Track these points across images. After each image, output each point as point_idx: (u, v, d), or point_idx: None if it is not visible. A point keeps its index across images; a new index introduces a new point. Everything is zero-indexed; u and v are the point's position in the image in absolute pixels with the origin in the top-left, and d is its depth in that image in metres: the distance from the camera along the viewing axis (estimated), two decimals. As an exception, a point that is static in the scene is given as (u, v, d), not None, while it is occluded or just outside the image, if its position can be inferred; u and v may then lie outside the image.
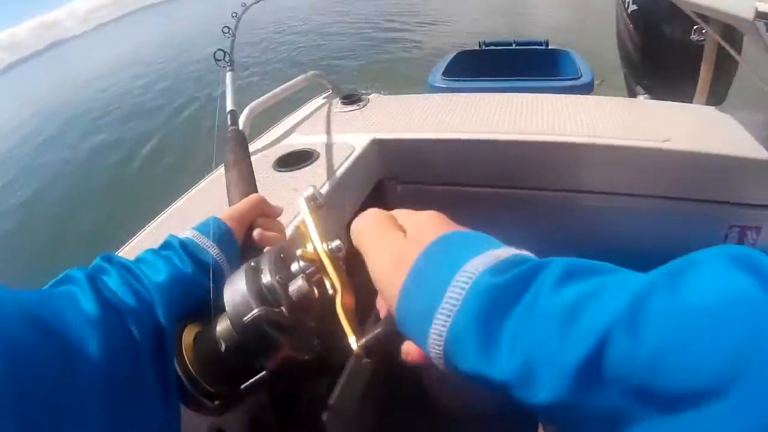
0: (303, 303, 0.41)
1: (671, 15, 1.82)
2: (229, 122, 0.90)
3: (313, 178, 1.09)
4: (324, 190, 1.05)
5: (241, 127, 1.27)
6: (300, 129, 1.41)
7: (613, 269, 0.28)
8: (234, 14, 1.30)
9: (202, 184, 1.13)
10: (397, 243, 0.35)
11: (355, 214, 1.08)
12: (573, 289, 0.27)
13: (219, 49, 1.09)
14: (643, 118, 1.18)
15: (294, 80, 1.52)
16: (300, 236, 0.42)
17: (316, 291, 0.41)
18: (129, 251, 0.89)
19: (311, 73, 1.60)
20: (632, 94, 2.07)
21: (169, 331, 0.42)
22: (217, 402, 0.43)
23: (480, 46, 3.48)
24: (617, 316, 0.25)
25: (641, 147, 1.07)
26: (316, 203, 0.43)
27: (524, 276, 0.28)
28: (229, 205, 0.68)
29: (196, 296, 0.47)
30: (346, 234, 1.16)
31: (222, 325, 0.43)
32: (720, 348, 0.22)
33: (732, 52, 1.11)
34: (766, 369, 0.20)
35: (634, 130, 1.11)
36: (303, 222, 0.41)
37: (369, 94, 1.56)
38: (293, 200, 1.01)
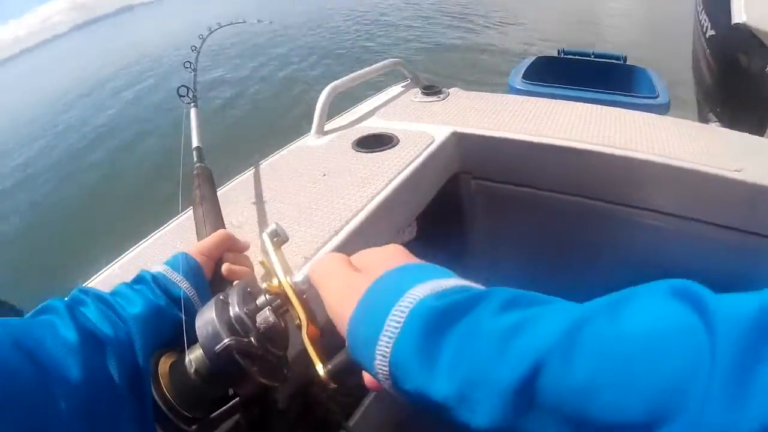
0: (270, 333, 0.43)
1: (749, 44, 1.74)
2: (195, 159, 0.90)
3: (392, 162, 1.09)
4: (402, 176, 1.05)
5: (318, 110, 1.31)
6: (379, 113, 1.42)
7: (558, 301, 0.28)
8: (193, 47, 1.22)
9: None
10: (348, 277, 0.36)
11: (428, 205, 1.07)
12: (514, 315, 0.27)
13: (182, 86, 1.06)
14: (717, 145, 1.13)
15: (376, 65, 1.52)
16: (266, 271, 0.44)
17: (282, 322, 0.43)
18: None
19: (393, 60, 1.60)
20: (703, 119, 2.00)
21: (146, 359, 0.43)
22: (194, 427, 0.45)
23: (559, 54, 3.49)
24: (553, 340, 0.25)
25: (711, 174, 1.03)
26: (279, 239, 0.45)
27: (466, 301, 0.29)
28: (198, 240, 0.69)
29: (169, 327, 0.49)
30: (417, 224, 1.16)
31: (195, 354, 0.45)
32: (655, 380, 0.21)
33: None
34: (700, 407, 0.20)
35: (707, 156, 1.07)
36: (267, 257, 0.43)
37: (450, 89, 1.55)
38: (357, 188, 1.03)
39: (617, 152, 1.12)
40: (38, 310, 0.42)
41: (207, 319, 0.43)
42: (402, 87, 1.62)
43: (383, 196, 0.99)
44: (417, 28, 10.26)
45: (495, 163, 1.27)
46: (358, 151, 1.18)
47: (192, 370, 0.44)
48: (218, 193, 0.85)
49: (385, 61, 1.57)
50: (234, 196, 1.07)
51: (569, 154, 1.16)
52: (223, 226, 0.72)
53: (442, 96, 1.48)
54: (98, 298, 0.46)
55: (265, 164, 1.20)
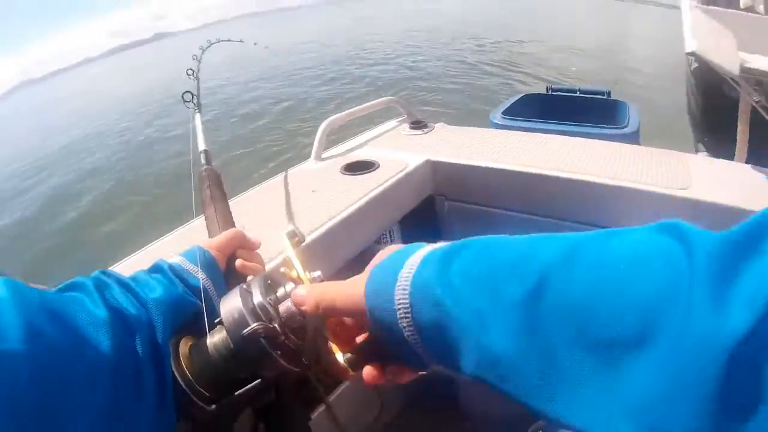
0: (290, 322, 0.45)
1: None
2: (203, 161, 0.93)
3: (370, 183, 1.32)
4: (377, 192, 1.29)
5: (317, 140, 1.55)
6: (371, 143, 1.67)
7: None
8: (194, 57, 1.27)
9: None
10: (347, 281, 0.40)
11: (405, 217, 1.28)
12: (520, 237, 0.32)
13: (187, 91, 1.08)
14: (667, 168, 1.28)
15: (372, 102, 1.77)
16: (286, 266, 0.48)
17: (300, 313, 0.44)
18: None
19: (389, 98, 1.86)
20: (694, 150, 2.11)
21: (166, 341, 0.45)
22: (213, 407, 0.46)
23: (547, 91, 3.77)
24: (554, 260, 0.28)
25: (656, 192, 1.17)
26: (297, 239, 0.51)
27: (468, 242, 0.35)
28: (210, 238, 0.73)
29: (186, 314, 0.50)
30: (398, 229, 1.37)
31: (217, 338, 0.46)
32: (641, 296, 0.24)
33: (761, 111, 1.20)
34: (685, 318, 0.22)
35: (655, 177, 1.22)
36: (287, 256, 0.48)
37: (436, 123, 1.79)
38: (336, 201, 1.25)
39: (564, 175, 1.29)
40: (66, 286, 0.43)
41: (233, 305, 0.45)
42: (397, 121, 1.87)
43: (355, 208, 1.22)
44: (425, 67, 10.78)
45: (464, 187, 1.48)
46: (344, 173, 1.42)
47: (215, 352, 0.46)
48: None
49: (381, 99, 1.82)
50: (240, 206, 1.32)
51: (528, 178, 1.35)
52: (233, 225, 0.75)
53: (427, 130, 1.72)
54: (119, 281, 0.47)
55: (268, 183, 1.45)
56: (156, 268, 0.54)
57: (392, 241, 1.50)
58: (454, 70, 9.94)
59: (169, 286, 0.50)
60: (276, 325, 0.43)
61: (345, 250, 1.23)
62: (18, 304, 0.31)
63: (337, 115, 1.63)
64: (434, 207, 1.56)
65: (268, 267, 0.83)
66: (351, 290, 0.38)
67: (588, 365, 0.25)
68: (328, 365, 0.42)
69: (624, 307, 0.24)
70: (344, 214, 1.19)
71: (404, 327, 0.33)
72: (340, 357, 0.41)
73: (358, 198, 1.25)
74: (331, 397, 1.25)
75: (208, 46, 1.39)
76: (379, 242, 1.44)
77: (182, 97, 1.08)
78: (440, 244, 0.36)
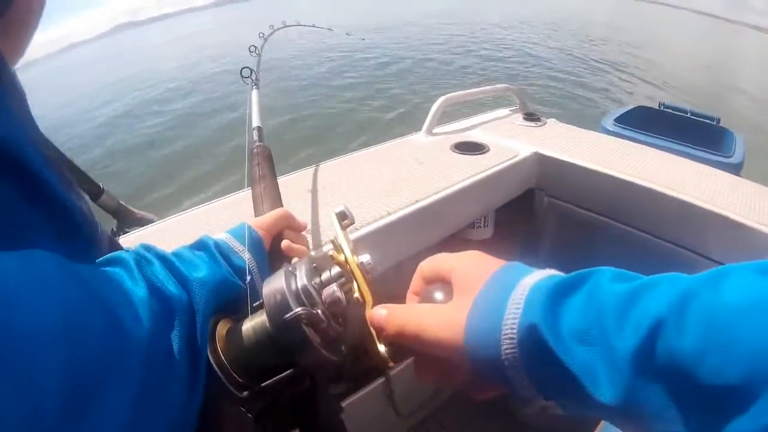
0: (334, 308, 0.43)
1: None
2: (256, 138, 0.92)
3: (478, 165, 1.36)
4: (484, 175, 1.32)
5: (431, 114, 1.60)
6: (483, 127, 1.69)
7: (659, 276, 0.31)
8: (261, 34, 1.32)
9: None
10: (439, 311, 0.38)
11: (503, 206, 1.31)
12: (626, 284, 0.31)
13: (245, 67, 1.08)
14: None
15: (489, 86, 1.81)
16: (334, 247, 0.46)
17: (345, 300, 0.43)
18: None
19: (506, 86, 1.86)
20: None
21: (205, 323, 0.43)
22: (246, 393, 0.45)
23: (659, 106, 3.90)
24: (668, 308, 0.27)
25: (763, 231, 1.12)
26: (347, 221, 0.48)
27: (578, 276, 0.33)
28: (255, 216, 0.72)
29: (229, 296, 0.49)
30: (493, 225, 1.42)
31: (256, 321, 0.45)
32: (752, 346, 0.23)
33: None
34: None
35: (760, 215, 1.17)
36: (335, 237, 0.46)
37: (549, 118, 1.78)
38: (442, 177, 1.28)
39: (677, 195, 1.25)
40: (107, 259, 0.42)
41: (276, 287, 0.43)
42: (510, 110, 1.88)
43: (459, 187, 1.25)
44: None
45: (568, 185, 1.48)
46: (453, 151, 1.46)
47: (252, 336, 0.44)
48: (325, 165, 1.03)
49: (499, 86, 1.84)
50: (346, 165, 1.39)
51: (632, 188, 1.32)
52: (281, 204, 0.75)
53: (540, 123, 1.71)
54: (162, 257, 0.45)
55: (377, 147, 1.52)
56: (201, 245, 0.52)
57: (485, 227, 1.53)
58: (566, 66, 9.63)
59: (213, 265, 0.48)
60: (319, 311, 0.42)
61: (440, 228, 1.27)
62: (63, 285, 0.30)
63: (455, 93, 1.66)
64: (533, 201, 1.57)
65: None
66: (447, 324, 0.36)
67: (692, 413, 0.26)
68: (371, 355, 0.41)
69: (734, 356, 0.24)
70: (448, 191, 1.23)
71: (512, 376, 0.33)
72: (381, 347, 0.40)
73: (465, 178, 1.29)
74: (392, 371, 1.32)
75: (279, 29, 1.41)
76: (472, 226, 1.48)
77: (240, 72, 1.09)
78: (542, 275, 0.35)
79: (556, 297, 0.32)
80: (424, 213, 1.17)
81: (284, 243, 0.63)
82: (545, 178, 1.51)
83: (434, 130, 1.63)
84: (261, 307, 0.45)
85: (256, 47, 1.26)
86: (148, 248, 0.45)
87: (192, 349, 0.40)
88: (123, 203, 1.33)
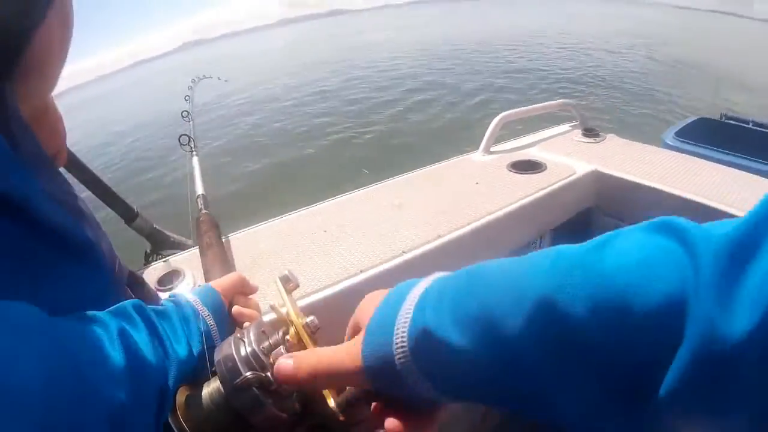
0: None
1: None
2: (200, 206, 0.91)
3: (535, 184, 1.37)
4: (541, 194, 1.33)
5: (488, 133, 1.61)
6: (540, 145, 1.70)
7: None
8: (186, 98, 1.27)
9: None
10: (342, 346, 0.41)
11: (559, 227, 1.31)
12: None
13: (183, 134, 1.06)
14: None
15: (547, 103, 1.80)
16: (277, 313, 0.49)
17: None
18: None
19: (565, 101, 1.87)
20: None
21: (172, 394, 0.45)
22: None
23: (721, 118, 3.73)
24: (551, 285, 0.28)
25: None
26: (291, 285, 0.51)
27: (461, 272, 0.38)
28: (206, 281, 0.73)
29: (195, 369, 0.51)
30: (550, 238, 1.43)
31: (212, 387, 0.48)
32: (648, 308, 0.23)
33: None
34: (697, 326, 0.22)
35: None
36: (280, 301, 0.49)
37: (607, 134, 1.76)
38: (498, 197, 1.30)
39: (741, 215, 1.21)
40: (92, 316, 0.41)
41: (226, 354, 0.46)
42: (569, 126, 1.88)
43: (514, 208, 1.27)
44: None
45: (628, 204, 1.46)
46: (510, 170, 1.48)
47: (210, 403, 0.47)
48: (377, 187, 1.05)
49: (557, 101, 1.84)
50: (406, 184, 1.45)
51: (696, 208, 1.27)
52: (232, 269, 0.77)
53: (598, 139, 1.71)
54: (150, 323, 0.47)
55: (435, 167, 1.56)
56: (184, 316, 0.54)
57: (541, 249, 1.52)
58: (625, 80, 9.40)
59: (196, 343, 0.51)
60: (269, 374, 0.44)
61: (494, 250, 1.27)
62: (42, 344, 0.30)
63: (512, 111, 1.69)
64: (591, 220, 1.57)
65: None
66: (349, 354, 0.39)
67: (611, 401, 0.26)
68: (321, 411, 0.43)
69: (632, 326, 0.24)
70: (504, 212, 1.24)
71: (406, 375, 0.35)
72: (331, 402, 0.42)
73: (521, 197, 1.30)
74: None
75: (198, 82, 1.40)
76: (528, 247, 1.49)
77: (179, 140, 1.06)
78: (427, 280, 0.38)
79: (441, 292, 0.35)
80: (476, 235, 1.18)
81: (234, 309, 0.66)
82: (604, 196, 1.51)
83: (492, 149, 1.66)
84: (214, 373, 0.47)
85: (188, 112, 1.22)
86: (139, 309, 0.46)
87: (157, 423, 0.41)
88: (157, 227, 1.36)
